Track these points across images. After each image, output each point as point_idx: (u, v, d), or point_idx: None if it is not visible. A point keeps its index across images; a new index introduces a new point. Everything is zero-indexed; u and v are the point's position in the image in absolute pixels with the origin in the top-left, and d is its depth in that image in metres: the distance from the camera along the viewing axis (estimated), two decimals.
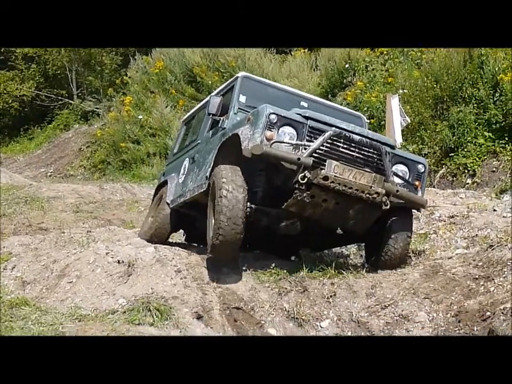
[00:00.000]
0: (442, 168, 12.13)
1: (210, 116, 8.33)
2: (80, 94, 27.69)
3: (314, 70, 18.28)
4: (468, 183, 11.48)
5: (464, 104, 12.30)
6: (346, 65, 16.63)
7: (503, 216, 8.32)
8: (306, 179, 6.62)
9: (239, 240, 6.88)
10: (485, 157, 11.74)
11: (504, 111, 11.67)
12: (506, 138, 11.61)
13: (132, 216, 11.44)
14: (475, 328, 6.29)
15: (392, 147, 7.38)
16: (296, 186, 6.72)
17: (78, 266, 7.30)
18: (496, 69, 12.12)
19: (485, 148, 11.76)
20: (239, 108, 7.99)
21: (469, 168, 11.73)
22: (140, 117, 18.07)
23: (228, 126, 7.78)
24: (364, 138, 7.02)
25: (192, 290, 6.97)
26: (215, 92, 9.52)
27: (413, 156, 8.06)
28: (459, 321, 6.44)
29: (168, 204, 9.04)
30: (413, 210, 7.79)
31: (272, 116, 6.73)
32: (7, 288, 7.03)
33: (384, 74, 15.18)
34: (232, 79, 8.70)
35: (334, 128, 6.92)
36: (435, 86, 12.93)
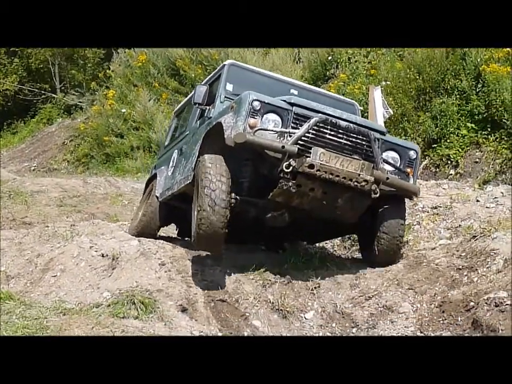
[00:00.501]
0: (425, 159, 12.14)
1: (197, 106, 8.06)
2: (63, 88, 27.67)
3: (297, 62, 18.28)
4: (451, 174, 11.51)
5: (446, 96, 12.33)
6: (329, 58, 16.63)
7: (486, 207, 8.35)
8: (291, 167, 6.35)
9: (223, 231, 6.62)
10: (468, 148, 11.77)
11: (487, 102, 11.70)
12: (489, 129, 11.64)
13: (115, 210, 11.43)
14: (459, 319, 6.32)
15: (382, 133, 7.07)
16: (281, 175, 6.45)
17: (62, 260, 7.29)
18: (478, 60, 12.15)
19: (467, 139, 11.79)
20: (225, 97, 7.72)
21: (452, 159, 11.76)
22: (123, 110, 18.06)
23: (214, 115, 7.53)
24: (351, 124, 6.72)
25: (176, 283, 6.97)
26: (203, 82, 9.15)
27: (404, 142, 7.78)
28: (443, 312, 6.46)
29: (157, 197, 8.86)
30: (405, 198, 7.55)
31: (256, 103, 6.49)
32: None
33: (366, 66, 15.20)
34: (219, 67, 8.48)
35: (320, 114, 6.65)
36: (418, 77, 12.95)
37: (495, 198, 8.60)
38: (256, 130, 6.43)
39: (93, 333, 5.58)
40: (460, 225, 7.95)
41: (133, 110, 17.71)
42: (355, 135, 6.72)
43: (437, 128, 12.13)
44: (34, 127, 25.98)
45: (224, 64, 8.14)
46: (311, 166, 6.33)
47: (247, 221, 7.50)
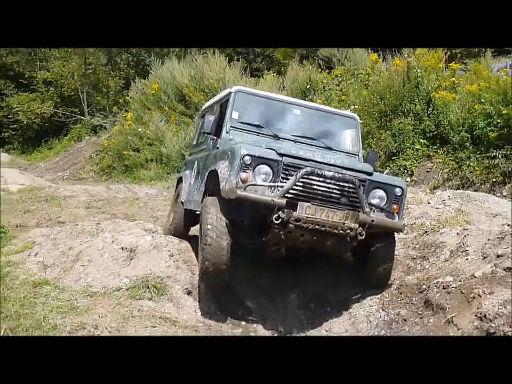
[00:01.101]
0: (386, 169, 12.18)
1: (206, 135, 7.51)
2: (90, 111, 27.61)
3: (281, 90, 18.26)
4: (407, 181, 11.55)
5: (403, 117, 12.36)
6: (308, 86, 16.62)
7: (436, 208, 8.38)
8: (280, 219, 5.83)
9: (227, 268, 6.11)
10: (421, 160, 11.81)
11: (436, 122, 11.76)
12: (438, 144, 11.70)
13: (133, 211, 11.40)
14: (414, 299, 6.37)
15: (369, 173, 6.29)
16: (272, 225, 5.92)
17: (89, 252, 7.28)
18: (430, 88, 12.21)
19: (421, 152, 11.84)
20: (231, 126, 6.98)
21: (408, 169, 11.79)
22: (139, 129, 18.00)
23: (220, 146, 6.95)
24: (336, 174, 6.02)
25: (183, 271, 6.98)
26: (212, 101, 8.54)
27: (391, 179, 6.75)
28: (401, 293, 6.51)
29: (182, 203, 8.33)
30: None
31: (246, 158, 5.89)
32: (31, 271, 7.00)
33: (338, 93, 15.22)
34: (226, 92, 7.57)
35: (309, 162, 6.03)
36: (380, 102, 12.99)
37: (443, 200, 8.63)
38: (247, 186, 5.89)
39: (114, 312, 5.60)
40: (414, 222, 7.98)
41: (147, 129, 17.67)
42: (341, 183, 6.05)
43: (396, 144, 12.17)
44: (67, 143, 25.92)
45: (230, 92, 7.26)
46: (298, 219, 5.83)
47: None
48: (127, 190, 14.07)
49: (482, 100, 10.63)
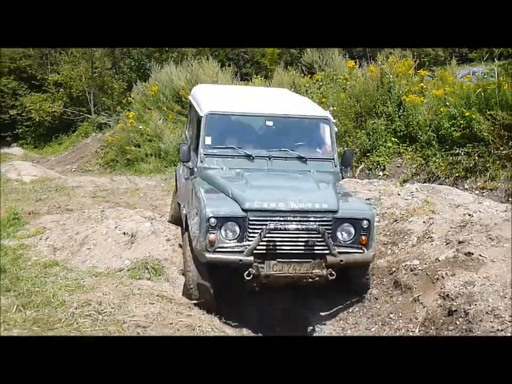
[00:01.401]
0: (361, 164, 12.19)
1: (183, 164, 6.79)
2: (96, 110, 27.39)
3: None
4: (380, 175, 11.57)
5: (377, 118, 12.36)
6: (292, 89, 16.57)
7: (405, 199, 8.38)
8: (251, 275, 5.49)
9: (210, 297, 5.84)
10: (392, 156, 11.83)
11: (406, 123, 11.78)
12: (408, 143, 11.73)
13: (134, 200, 11.35)
14: (384, 280, 6.42)
15: (335, 211, 5.64)
16: (245, 280, 5.54)
17: (94, 237, 7.26)
18: (400, 92, 12.23)
19: (392, 150, 11.85)
20: (205, 154, 6.29)
21: (381, 164, 11.81)
22: (140, 127, 17.88)
23: (197, 175, 6.31)
24: (300, 225, 5.50)
25: (178, 254, 6.97)
26: (196, 101, 7.32)
27: (357, 211, 5.87)
28: (373, 275, 6.53)
29: (178, 204, 7.83)
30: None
31: (212, 220, 5.41)
32: (42, 253, 6.99)
33: (319, 96, 15.16)
34: (198, 115, 6.67)
35: (274, 213, 5.52)
36: (356, 104, 12.98)
37: (411, 192, 8.64)
38: (215, 249, 5.45)
39: (117, 290, 5.57)
40: (385, 212, 7.98)
41: (147, 127, 17.55)
42: (305, 234, 5.55)
43: (370, 142, 12.17)
44: (75, 139, 25.71)
45: (201, 116, 6.43)
46: (267, 276, 5.54)
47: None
48: (129, 181, 14.01)
49: (447, 103, 10.66)
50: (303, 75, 17.25)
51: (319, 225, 5.55)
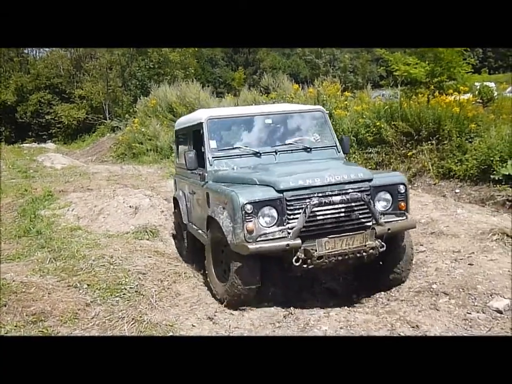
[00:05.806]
0: None
1: (191, 172, 5.10)
2: (110, 117, 27.19)
3: (236, 105, 18.14)
4: None
5: None
6: (253, 104, 16.55)
7: None
8: (300, 260, 3.87)
9: (253, 296, 4.22)
10: None
11: (334, 130, 11.77)
12: None
13: (138, 183, 11.19)
14: None
15: (370, 180, 4.18)
16: (293, 266, 3.91)
17: (108, 209, 7.20)
18: (331, 107, 12.19)
19: None
20: (213, 157, 4.69)
21: None
22: (143, 129, 17.71)
23: (208, 179, 4.69)
24: (344, 197, 3.97)
25: (169, 221, 6.95)
26: (184, 123, 5.77)
27: (391, 177, 4.41)
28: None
29: (185, 224, 5.81)
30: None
31: (248, 207, 3.82)
32: (69, 220, 6.91)
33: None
34: (197, 120, 5.09)
35: (310, 189, 3.97)
36: None
37: None
38: (256, 238, 3.84)
39: (124, 247, 5.55)
40: None
41: (148, 130, 17.41)
42: (350, 204, 4.01)
43: None
44: (94, 138, 25.48)
45: (202, 122, 4.87)
46: (320, 257, 3.87)
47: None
48: (134, 169, 13.88)
49: (364, 116, 10.74)
50: (261, 94, 17.21)
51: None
